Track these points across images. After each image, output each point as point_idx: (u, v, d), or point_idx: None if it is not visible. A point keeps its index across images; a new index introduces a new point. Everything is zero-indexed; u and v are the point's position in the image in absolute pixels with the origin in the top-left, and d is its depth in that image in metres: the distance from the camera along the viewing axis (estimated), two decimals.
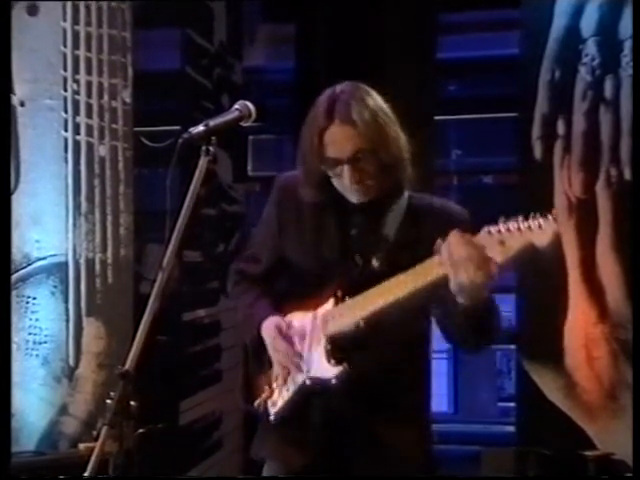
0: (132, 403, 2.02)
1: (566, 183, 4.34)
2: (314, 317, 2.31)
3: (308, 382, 2.30)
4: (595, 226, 4.26)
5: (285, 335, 2.33)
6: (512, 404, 5.19)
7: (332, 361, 2.26)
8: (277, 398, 2.36)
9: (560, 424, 4.23)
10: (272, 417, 2.36)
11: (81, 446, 4.03)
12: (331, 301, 2.29)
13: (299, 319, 2.36)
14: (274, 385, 2.37)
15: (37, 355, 4.40)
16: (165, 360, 4.49)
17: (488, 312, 2.19)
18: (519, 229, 1.99)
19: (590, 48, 4.31)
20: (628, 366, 4.13)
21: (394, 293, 2.16)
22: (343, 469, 2.30)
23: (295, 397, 2.33)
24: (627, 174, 4.23)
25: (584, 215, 4.29)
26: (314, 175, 2.29)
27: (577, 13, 4.35)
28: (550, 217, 1.98)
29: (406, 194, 2.32)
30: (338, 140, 2.24)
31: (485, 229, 2.05)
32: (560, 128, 4.36)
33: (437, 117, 5.06)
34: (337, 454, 2.30)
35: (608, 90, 4.27)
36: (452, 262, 2.06)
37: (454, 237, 2.07)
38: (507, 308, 6.45)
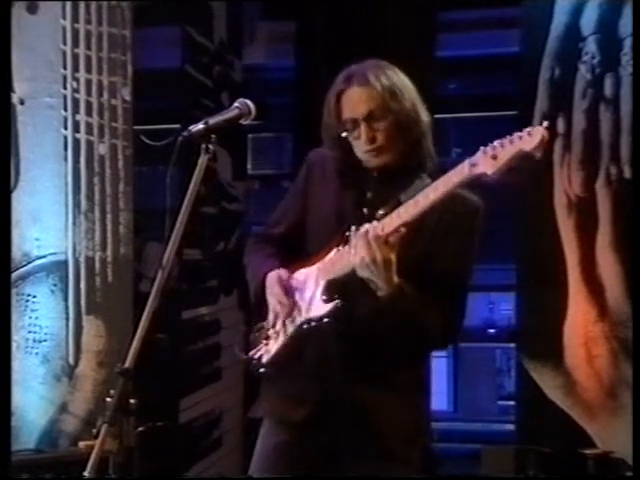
0: (132, 401, 2.03)
1: (566, 181, 4.34)
2: (318, 266, 2.34)
3: (305, 326, 2.31)
4: (595, 224, 4.26)
5: (284, 283, 2.36)
6: (512, 402, 5.18)
7: (325, 297, 2.29)
8: (271, 347, 2.38)
9: (560, 422, 4.23)
10: (263, 368, 2.38)
11: (81, 444, 4.03)
12: (334, 250, 2.32)
13: (304, 271, 2.38)
14: (269, 334, 2.39)
15: (37, 353, 4.40)
16: (165, 358, 4.49)
17: (412, 304, 2.23)
18: (510, 141, 2.10)
19: (590, 46, 4.31)
20: (628, 364, 4.13)
21: (401, 215, 2.19)
22: (332, 425, 2.30)
23: (287, 343, 2.34)
24: (627, 172, 4.23)
25: (584, 213, 4.29)
26: (334, 138, 2.35)
27: (577, 11, 4.35)
28: (540, 126, 2.08)
29: (428, 180, 2.33)
30: (353, 100, 2.31)
31: (481, 149, 2.13)
32: (560, 126, 4.36)
33: (437, 115, 5.05)
34: (328, 408, 2.30)
35: (608, 88, 4.27)
36: (354, 245, 2.17)
37: (365, 225, 2.18)
38: (507, 306, 6.48)
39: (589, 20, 4.33)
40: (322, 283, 2.31)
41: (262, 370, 2.37)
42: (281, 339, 2.36)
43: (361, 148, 2.32)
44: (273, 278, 2.37)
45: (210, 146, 2.18)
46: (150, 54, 4.80)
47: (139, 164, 4.69)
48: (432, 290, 2.25)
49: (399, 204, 2.25)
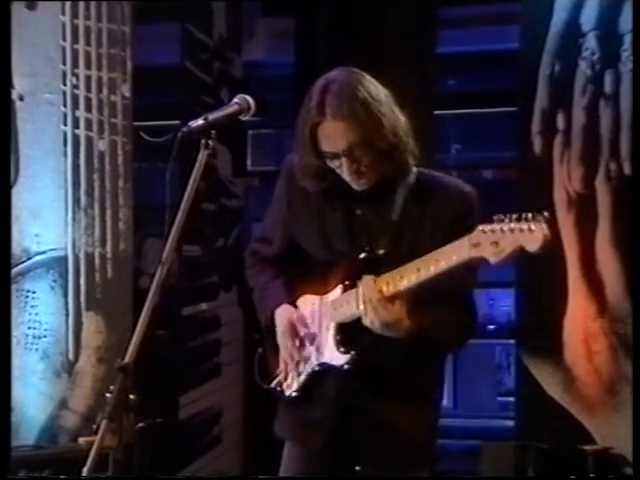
0: (131, 397, 2.02)
1: (566, 178, 4.34)
2: (323, 304, 2.34)
3: (317, 368, 2.33)
4: (594, 221, 4.26)
5: (294, 334, 2.35)
6: (511, 398, 5.19)
7: (342, 349, 2.28)
8: (293, 381, 2.40)
9: (559, 418, 4.23)
10: (286, 399, 2.40)
11: (81, 440, 4.03)
12: (339, 288, 2.31)
13: (309, 305, 2.38)
14: (288, 368, 2.40)
15: (37, 349, 4.40)
16: (165, 355, 4.49)
17: (425, 338, 2.24)
18: (511, 230, 2.01)
19: (590, 42, 4.30)
20: (627, 360, 4.13)
21: (403, 280, 2.18)
22: (355, 449, 2.33)
23: (308, 381, 2.36)
24: (627, 169, 4.23)
25: (583, 210, 4.28)
26: (310, 168, 2.30)
27: (577, 7, 4.35)
28: (541, 219, 1.99)
29: (414, 170, 2.32)
30: (331, 136, 2.23)
31: (479, 228, 2.06)
32: (560, 123, 4.35)
33: (436, 112, 5.05)
34: (349, 434, 2.32)
35: (608, 84, 4.27)
36: (362, 302, 2.18)
37: (367, 280, 2.18)
38: (507, 302, 6.48)
39: (589, 16, 4.32)
40: (332, 327, 2.31)
41: (292, 395, 2.40)
42: (300, 377, 2.37)
43: (345, 175, 2.28)
44: (284, 323, 2.36)
45: (210, 142, 2.17)
46: (150, 50, 4.79)
47: (139, 160, 4.69)
48: (443, 294, 2.25)
49: (391, 223, 2.25)
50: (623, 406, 4.10)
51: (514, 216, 2.02)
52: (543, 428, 4.26)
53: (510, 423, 4.83)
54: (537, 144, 4.40)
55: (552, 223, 2.02)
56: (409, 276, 2.16)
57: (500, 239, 2.02)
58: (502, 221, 2.03)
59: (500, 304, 6.72)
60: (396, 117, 2.27)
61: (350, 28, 4.85)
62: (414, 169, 2.32)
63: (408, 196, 2.29)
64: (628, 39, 4.22)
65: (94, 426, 2.04)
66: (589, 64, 4.30)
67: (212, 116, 2.21)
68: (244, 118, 2.29)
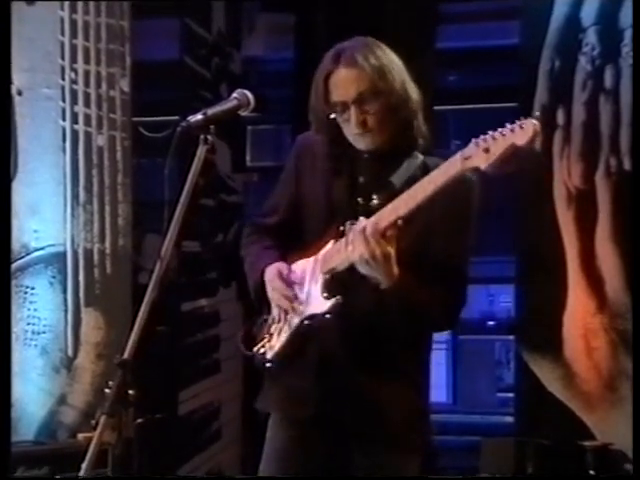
0: (130, 392, 2.03)
1: (565, 173, 4.34)
2: (315, 260, 2.33)
3: (306, 322, 2.30)
4: (594, 216, 4.26)
5: (284, 277, 2.34)
6: (511, 394, 5.19)
7: (325, 294, 2.28)
8: (275, 342, 2.37)
9: (559, 414, 4.24)
10: (269, 363, 2.37)
11: (80, 436, 4.03)
12: (331, 242, 2.31)
13: (300, 265, 2.37)
14: (272, 329, 2.38)
15: (36, 345, 4.40)
16: (164, 350, 4.49)
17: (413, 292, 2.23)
18: (502, 134, 2.07)
19: (590, 37, 4.30)
20: (627, 356, 4.13)
21: (397, 210, 2.18)
22: (340, 419, 2.31)
23: (291, 339, 2.34)
24: (627, 164, 4.23)
25: (583, 205, 4.28)
26: (322, 121, 2.32)
27: (577, 2, 4.34)
28: (531, 118, 2.05)
29: (420, 156, 2.33)
30: (342, 83, 2.28)
31: (473, 141, 2.10)
32: (560, 118, 4.35)
33: (436, 107, 5.05)
34: (334, 404, 2.30)
35: (608, 80, 4.26)
36: (353, 235, 2.17)
37: (361, 220, 2.18)
38: (506, 298, 6.48)
39: (589, 11, 4.32)
40: (320, 278, 2.30)
41: (267, 365, 2.37)
42: (284, 335, 2.35)
43: (351, 130, 2.30)
44: (272, 272, 2.36)
45: (209, 137, 2.17)
46: (148, 45, 4.79)
47: (137, 156, 4.69)
48: (432, 271, 2.25)
49: (393, 188, 2.25)
50: (623, 402, 4.10)
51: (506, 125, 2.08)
52: (543, 424, 4.26)
53: (510, 419, 4.84)
54: (537, 139, 4.40)
55: (543, 122, 2.08)
56: (400, 206, 2.17)
57: (491, 145, 2.07)
58: (495, 131, 2.08)
59: (500, 300, 6.72)
60: (408, 87, 2.32)
61: (350, 23, 4.84)
62: (420, 156, 2.33)
63: (412, 172, 2.30)
64: (629, 34, 4.22)
65: (93, 422, 2.04)
66: (589, 59, 4.30)
67: (211, 111, 2.21)
68: (243, 113, 2.29)
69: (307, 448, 2.34)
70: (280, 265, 2.37)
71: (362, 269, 2.20)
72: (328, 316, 2.26)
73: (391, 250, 2.18)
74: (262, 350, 2.39)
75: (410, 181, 2.25)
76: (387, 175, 2.29)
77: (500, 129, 2.08)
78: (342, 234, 2.27)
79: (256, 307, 2.43)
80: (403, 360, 2.32)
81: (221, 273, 4.90)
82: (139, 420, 2.08)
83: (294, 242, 2.41)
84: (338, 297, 2.25)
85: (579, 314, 4.27)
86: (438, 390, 6.36)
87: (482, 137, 2.10)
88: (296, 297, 2.33)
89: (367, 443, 2.31)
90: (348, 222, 2.25)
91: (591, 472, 3.92)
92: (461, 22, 5.54)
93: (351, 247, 2.21)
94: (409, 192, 2.18)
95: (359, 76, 2.27)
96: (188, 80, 4.84)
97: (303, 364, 2.33)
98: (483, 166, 2.08)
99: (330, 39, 4.95)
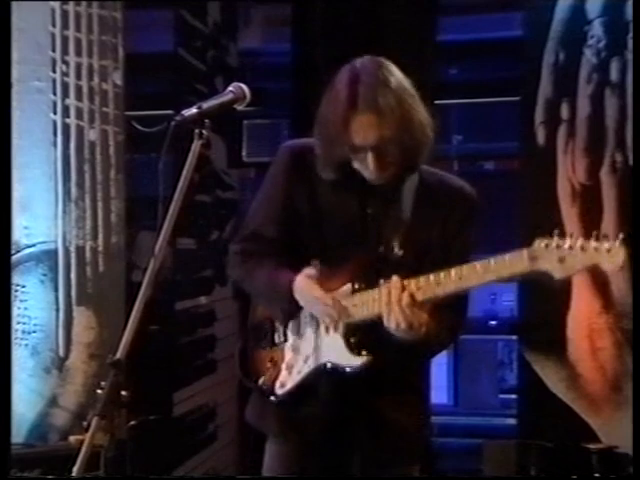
0: (123, 393, 2.02)
1: (570, 169, 4.34)
2: (332, 299, 2.30)
3: (328, 365, 2.30)
4: (599, 213, 4.26)
5: (320, 283, 2.30)
6: (513, 396, 5.19)
7: (354, 351, 2.28)
8: (286, 380, 2.37)
9: (563, 416, 4.24)
10: (277, 397, 2.38)
11: (71, 438, 4.03)
12: (349, 287, 2.30)
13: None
14: (282, 365, 2.38)
15: (26, 345, 4.40)
16: (158, 350, 4.48)
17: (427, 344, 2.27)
18: (583, 249, 2.02)
19: (596, 29, 4.30)
20: None
21: (439, 287, 2.18)
22: (346, 449, 2.33)
23: (306, 380, 2.34)
24: (632, 160, 4.23)
25: (588, 201, 4.29)
26: (338, 158, 2.29)
27: None
28: (618, 240, 2.01)
29: (416, 174, 2.35)
30: (362, 128, 2.24)
31: (542, 242, 2.07)
32: (564, 112, 4.35)
33: (437, 101, 5.04)
34: (341, 434, 2.33)
35: (614, 73, 4.26)
36: (385, 304, 2.18)
37: (395, 283, 2.17)
38: (509, 298, 6.48)
39: (595, 3, 4.31)
40: (342, 326, 2.29)
41: (272, 398, 2.38)
42: (298, 375, 2.35)
43: (365, 169, 2.28)
44: (305, 282, 2.30)
45: (204, 132, 2.17)
46: (142, 37, 4.78)
47: (131, 151, 4.68)
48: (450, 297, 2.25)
49: (402, 223, 2.27)
50: (628, 404, 4.10)
51: (580, 236, 2.03)
52: (546, 426, 4.26)
53: (512, 421, 4.84)
54: (540, 134, 4.40)
55: (628, 244, 2.02)
56: (447, 284, 2.16)
57: (567, 255, 2.04)
58: (563, 238, 2.04)
59: (502, 299, 6.72)
60: (423, 114, 2.29)
61: (348, 15, 4.84)
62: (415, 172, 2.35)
63: (416, 195, 2.32)
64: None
65: (85, 424, 2.04)
66: (595, 52, 4.29)
67: (206, 105, 2.20)
68: (239, 107, 2.28)
69: (307, 465, 2.37)
70: (308, 275, 2.31)
71: (396, 333, 2.21)
72: (358, 370, 2.27)
73: (426, 317, 2.19)
74: (268, 383, 2.39)
75: (416, 208, 2.28)
76: (394, 205, 2.30)
77: (579, 239, 2.03)
78: (365, 286, 2.25)
79: (267, 331, 2.41)
80: (408, 377, 2.37)
81: (216, 271, 4.89)
82: (132, 422, 2.08)
83: (298, 253, 2.39)
84: (369, 357, 2.26)
85: (584, 313, 4.27)
86: (439, 391, 6.35)
87: (554, 241, 2.05)
88: (342, 306, 2.29)
89: (370, 460, 2.34)
90: (381, 281, 2.22)
91: (596, 475, 3.92)
92: (462, 13, 5.53)
93: (386, 314, 2.20)
94: (458, 272, 2.15)
95: (380, 122, 2.22)
96: (183, 73, 4.84)
97: (310, 397, 2.34)
98: (557, 276, 2.07)
99: (328, 31, 4.97)
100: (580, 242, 2.03)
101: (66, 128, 4.48)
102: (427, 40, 4.83)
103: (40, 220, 4.46)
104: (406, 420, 2.34)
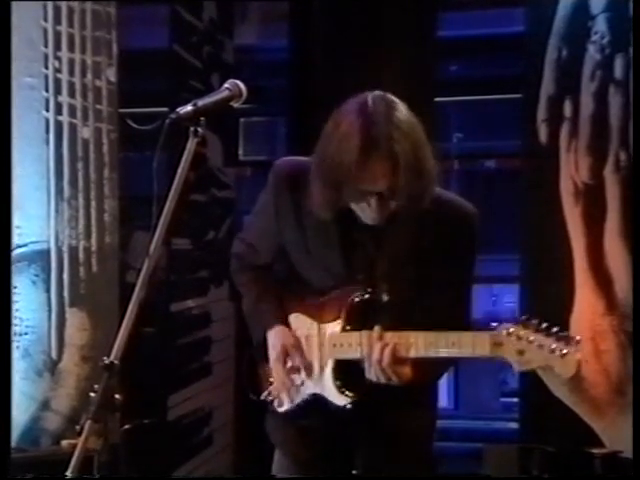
0: (117, 397, 2.02)
1: (573, 168, 4.34)
2: (320, 334, 2.34)
3: (315, 397, 2.35)
4: (603, 213, 4.26)
5: (288, 360, 2.35)
6: (515, 399, 5.19)
7: (342, 391, 2.31)
8: (282, 400, 2.42)
9: (565, 420, 4.24)
10: (278, 411, 2.42)
11: (64, 443, 4.03)
12: (338, 324, 2.32)
13: (304, 328, 2.38)
14: (280, 391, 2.43)
15: (17, 347, 4.39)
16: (152, 352, 4.48)
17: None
18: (540, 346, 2.07)
19: (600, 25, 4.30)
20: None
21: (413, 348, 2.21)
22: (346, 462, 2.36)
23: (302, 404, 2.39)
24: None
25: (591, 201, 4.29)
26: (339, 201, 2.25)
27: None
28: (573, 343, 2.06)
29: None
30: (375, 174, 2.19)
31: (504, 327, 2.10)
32: (567, 110, 4.35)
33: (437, 98, 5.05)
34: (341, 446, 2.35)
35: (618, 70, 4.26)
36: (366, 357, 2.21)
37: (377, 336, 2.20)
38: (510, 299, 6.48)
39: None
40: (330, 364, 2.32)
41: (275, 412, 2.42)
42: (290, 402, 2.39)
43: (365, 213, 2.26)
44: (277, 348, 2.35)
45: (199, 130, 2.16)
46: (136, 33, 4.78)
47: (125, 149, 4.68)
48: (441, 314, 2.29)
49: (394, 260, 2.26)
50: (632, 407, 4.10)
51: (543, 325, 2.09)
52: (548, 430, 4.26)
53: (514, 425, 4.84)
54: (543, 132, 4.40)
55: (581, 346, 2.08)
56: (420, 346, 2.19)
57: (526, 349, 2.08)
58: (528, 327, 2.08)
59: (503, 300, 6.72)
60: (432, 158, 2.25)
61: (347, 10, 4.84)
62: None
63: (412, 229, 2.29)
64: None
65: (78, 428, 2.04)
66: (598, 48, 4.29)
67: (202, 102, 2.20)
68: (235, 105, 2.28)
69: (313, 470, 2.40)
70: (284, 339, 2.35)
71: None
72: (343, 407, 2.30)
73: (408, 371, 2.22)
74: (269, 400, 2.43)
75: (411, 244, 2.27)
76: (385, 239, 2.28)
77: (535, 336, 2.07)
78: (352, 327, 2.27)
79: (257, 352, 2.44)
80: (414, 398, 2.38)
81: (212, 272, 4.89)
82: (126, 426, 2.09)
83: (285, 281, 2.42)
84: (354, 397, 2.29)
85: (587, 315, 4.27)
86: (440, 395, 6.36)
87: (516, 329, 2.09)
88: (295, 387, 2.35)
89: (374, 470, 2.36)
90: (355, 317, 2.26)
91: None
92: (463, 9, 5.53)
93: (367, 366, 2.23)
94: (432, 337, 2.18)
95: (393, 170, 2.18)
96: (178, 70, 4.84)
97: (310, 410, 2.37)
98: (516, 368, 2.10)
99: (326, 27, 4.97)
100: (540, 339, 2.07)
101: (59, 126, 4.48)
102: (427, 36, 4.83)
103: (32, 219, 4.46)
104: (411, 432, 2.36)
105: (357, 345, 2.26)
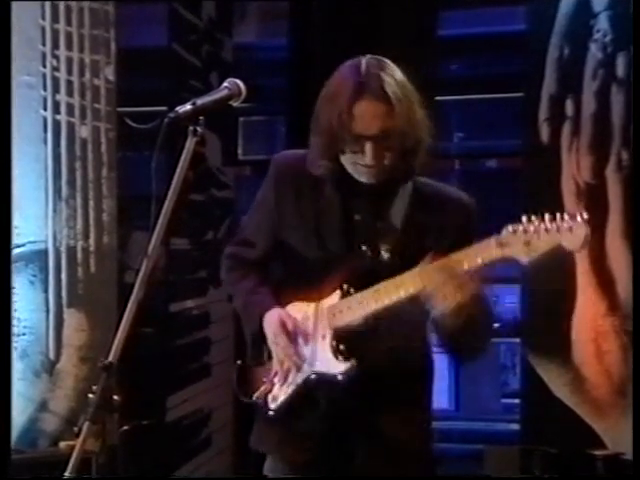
0: (115, 398, 2.02)
1: (574, 167, 4.34)
2: (318, 309, 2.33)
3: (313, 377, 2.32)
4: (605, 213, 4.26)
5: (288, 332, 2.34)
6: (516, 400, 5.19)
7: (340, 357, 2.29)
8: (278, 393, 2.39)
9: (567, 421, 4.24)
10: (272, 412, 2.39)
11: (62, 444, 4.03)
12: (337, 294, 2.31)
13: (302, 311, 2.37)
14: (275, 379, 2.39)
15: (15, 348, 4.39)
16: (151, 353, 4.49)
17: (478, 311, 2.26)
18: (546, 230, 2.08)
19: (602, 23, 4.30)
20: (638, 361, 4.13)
21: (405, 289, 2.20)
22: (344, 465, 2.34)
23: (298, 392, 2.35)
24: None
25: (593, 201, 4.29)
26: (334, 148, 2.28)
27: None
28: (579, 219, 2.08)
29: (410, 184, 2.34)
30: (367, 116, 2.24)
31: (509, 228, 2.12)
32: (569, 109, 4.35)
33: (438, 98, 5.05)
34: (338, 449, 2.33)
35: (620, 68, 4.26)
36: (428, 294, 2.17)
37: (423, 268, 2.17)
38: (512, 299, 6.48)
39: None
40: (329, 335, 2.31)
41: (269, 414, 2.39)
42: (288, 388, 2.36)
43: (358, 162, 2.27)
44: (274, 323, 2.34)
45: (198, 129, 2.17)
46: (135, 31, 4.78)
47: (123, 148, 4.68)
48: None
49: (395, 232, 2.27)
50: (632, 408, 4.10)
51: (547, 216, 2.09)
52: (550, 431, 4.26)
53: (515, 426, 4.84)
54: (544, 132, 4.40)
55: (590, 223, 2.09)
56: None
57: (533, 238, 2.09)
58: (531, 221, 2.10)
59: (505, 301, 6.72)
60: (423, 115, 2.30)
61: (346, 9, 4.84)
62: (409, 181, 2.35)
63: (410, 204, 2.31)
64: None
65: (76, 429, 2.04)
66: (600, 47, 4.29)
67: (201, 101, 2.20)
68: (235, 104, 2.28)
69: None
70: (281, 314, 2.35)
71: (445, 313, 2.21)
72: (341, 377, 2.28)
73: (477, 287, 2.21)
74: (263, 396, 2.41)
75: (408, 216, 2.28)
76: (384, 213, 2.30)
77: (542, 222, 2.08)
78: (350, 291, 2.27)
79: (251, 349, 2.42)
80: (414, 389, 2.38)
81: (211, 272, 4.89)
82: (125, 427, 2.09)
83: (282, 276, 2.42)
84: (353, 361, 2.27)
85: (589, 316, 4.27)
86: (440, 396, 6.34)
87: (520, 226, 2.11)
88: (301, 355, 2.33)
89: (368, 471, 2.34)
90: (355, 282, 2.25)
91: None
92: (464, 7, 5.53)
93: (434, 293, 2.19)
94: (435, 266, 2.17)
95: (386, 111, 2.23)
96: (177, 68, 4.84)
97: (306, 410, 2.35)
98: (524, 261, 2.11)
99: (325, 25, 4.97)
100: (543, 224, 2.09)
101: (57, 125, 4.48)
102: (428, 34, 4.83)
103: (30, 219, 4.46)
104: (406, 434, 2.34)
105: (356, 305, 2.25)
